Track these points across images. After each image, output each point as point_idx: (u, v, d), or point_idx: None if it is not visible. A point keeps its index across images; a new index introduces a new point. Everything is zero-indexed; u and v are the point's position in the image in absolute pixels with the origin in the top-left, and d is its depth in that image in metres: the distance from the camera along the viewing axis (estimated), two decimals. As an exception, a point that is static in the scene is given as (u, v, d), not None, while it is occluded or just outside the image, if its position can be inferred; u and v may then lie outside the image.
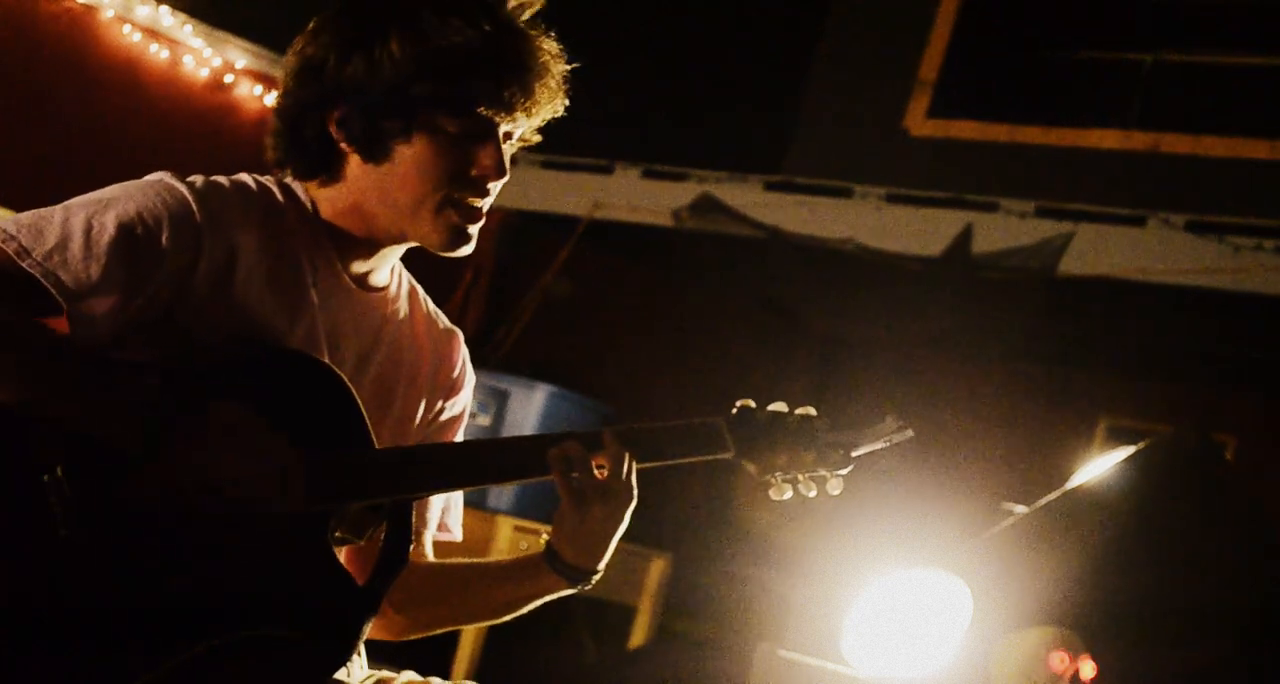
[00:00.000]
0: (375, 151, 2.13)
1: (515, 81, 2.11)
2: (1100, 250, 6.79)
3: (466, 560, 2.35)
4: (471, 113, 2.12)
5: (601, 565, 2.23)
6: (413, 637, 2.36)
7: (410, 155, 2.12)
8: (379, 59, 2.09)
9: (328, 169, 2.17)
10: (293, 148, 2.17)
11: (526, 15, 2.15)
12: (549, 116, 2.19)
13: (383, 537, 2.11)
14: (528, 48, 2.13)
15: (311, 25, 2.17)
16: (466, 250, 2.19)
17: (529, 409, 6.76)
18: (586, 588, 2.26)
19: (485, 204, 2.18)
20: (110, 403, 1.97)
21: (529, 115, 2.15)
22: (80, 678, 1.92)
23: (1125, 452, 4.24)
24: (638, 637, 6.87)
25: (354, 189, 2.16)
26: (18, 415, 1.93)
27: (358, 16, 2.14)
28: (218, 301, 2.07)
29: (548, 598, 2.29)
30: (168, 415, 1.97)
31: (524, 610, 2.32)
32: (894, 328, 8.25)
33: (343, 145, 2.14)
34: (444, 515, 2.37)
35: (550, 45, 2.16)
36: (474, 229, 2.18)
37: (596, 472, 2.17)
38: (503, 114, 2.12)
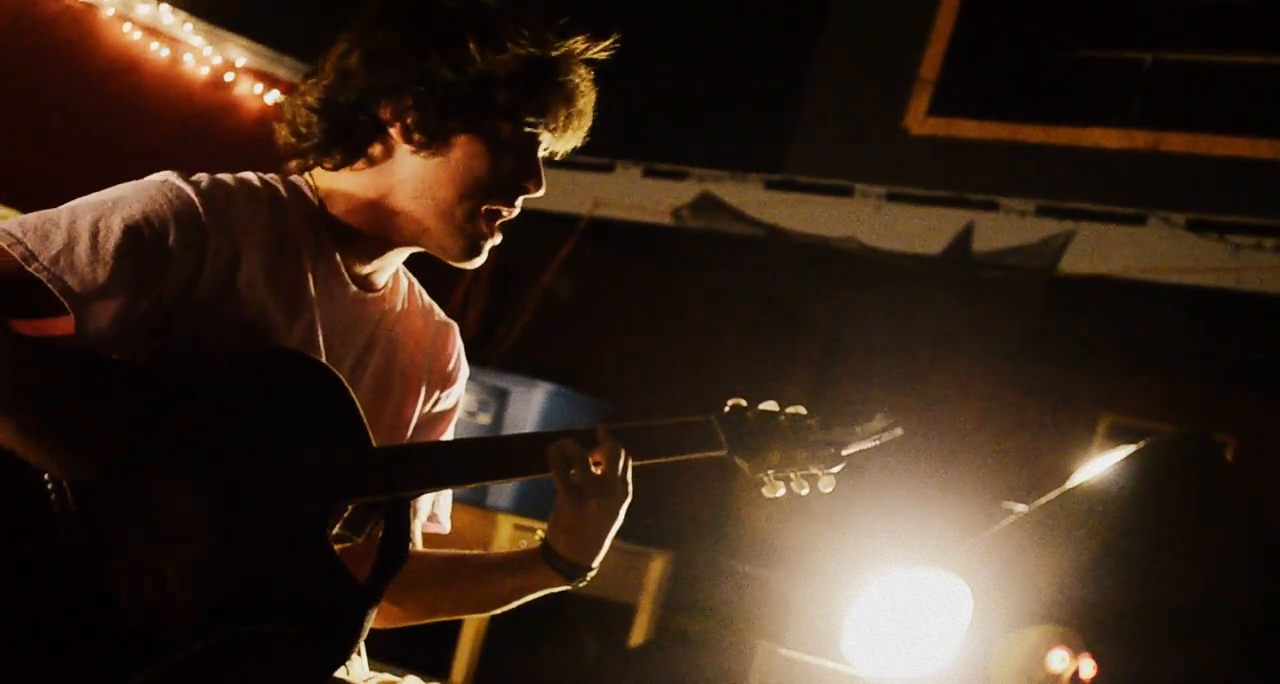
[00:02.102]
0: (433, 145, 2.14)
1: (571, 104, 2.18)
2: (1101, 249, 6.79)
3: (462, 551, 2.36)
4: (528, 124, 2.17)
5: (597, 562, 2.25)
6: (402, 625, 2.37)
7: (465, 154, 2.15)
8: (460, 57, 2.12)
9: (367, 156, 2.17)
10: (335, 131, 2.17)
11: (588, 53, 2.21)
12: (570, 147, 2.24)
13: (381, 535, 2.11)
14: (582, 74, 2.20)
15: (370, 17, 2.19)
16: (478, 262, 2.23)
17: (529, 408, 6.77)
18: (581, 584, 2.27)
19: (512, 216, 2.22)
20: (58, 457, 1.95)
21: (567, 139, 2.22)
22: (80, 675, 1.92)
23: (1125, 451, 4.24)
24: (638, 635, 6.87)
25: (388, 180, 2.17)
26: None
27: (429, 12, 2.17)
28: (220, 300, 2.06)
29: (541, 593, 2.30)
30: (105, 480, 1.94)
31: (515, 604, 2.33)
32: (894, 327, 8.25)
33: (394, 132, 2.15)
34: (433, 506, 2.38)
35: (590, 76, 2.22)
36: (489, 245, 2.21)
37: (593, 468, 2.18)
38: (556, 133, 2.19)
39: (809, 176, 7.61)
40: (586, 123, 2.22)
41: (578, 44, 2.20)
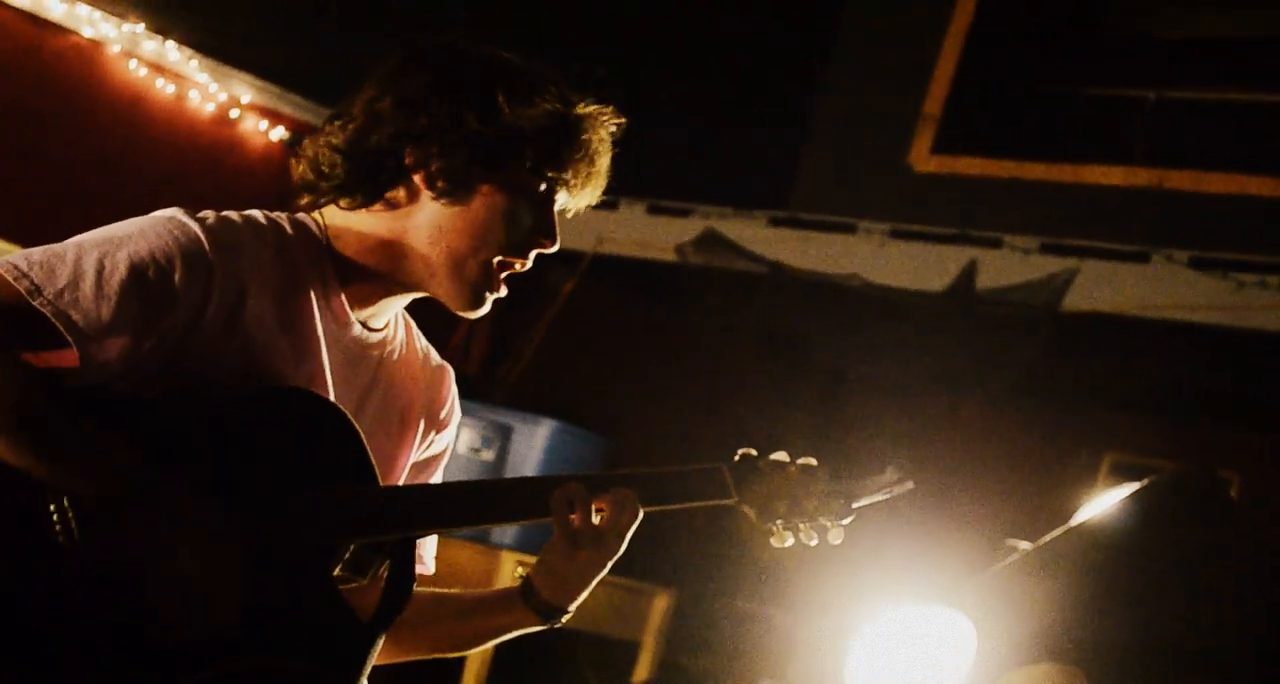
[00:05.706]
0: (456, 193, 2.16)
1: (591, 164, 2.22)
2: (1104, 286, 6.79)
3: (438, 590, 2.37)
4: (548, 180, 2.20)
5: (574, 606, 2.27)
6: (380, 663, 2.35)
7: (485, 204, 2.17)
8: (489, 108, 2.14)
9: (387, 199, 2.18)
10: (360, 173, 2.18)
11: (606, 126, 2.24)
12: (583, 205, 2.27)
13: (385, 575, 2.11)
14: (602, 135, 2.23)
15: (398, 64, 2.21)
16: (481, 313, 2.24)
17: (532, 445, 6.75)
18: (555, 626, 2.28)
19: (524, 269, 2.24)
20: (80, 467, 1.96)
21: (583, 197, 2.26)
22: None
23: (1130, 488, 4.23)
24: (641, 673, 6.85)
25: (404, 224, 2.18)
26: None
27: (459, 62, 2.19)
28: (226, 339, 2.07)
29: (516, 633, 2.31)
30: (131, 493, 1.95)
31: (491, 644, 2.35)
32: (898, 363, 8.25)
33: (417, 178, 2.16)
34: (419, 548, 2.37)
35: (609, 139, 2.24)
36: (494, 297, 2.23)
37: (595, 516, 2.18)
38: (574, 190, 2.23)
39: (813, 213, 7.62)
40: (602, 183, 2.25)
41: (600, 106, 2.23)
